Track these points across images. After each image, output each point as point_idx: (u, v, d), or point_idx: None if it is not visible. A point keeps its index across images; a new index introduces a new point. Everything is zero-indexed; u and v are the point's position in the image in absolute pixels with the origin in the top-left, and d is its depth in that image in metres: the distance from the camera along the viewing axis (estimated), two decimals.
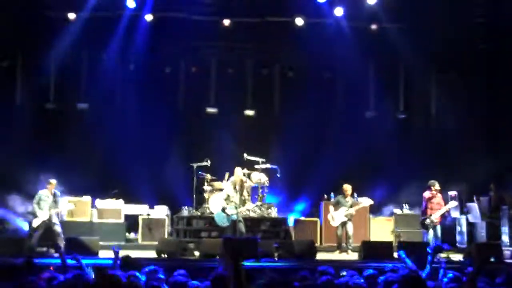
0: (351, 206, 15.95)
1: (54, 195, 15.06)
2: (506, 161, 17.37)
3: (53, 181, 15.16)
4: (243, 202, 15.26)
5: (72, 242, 13.96)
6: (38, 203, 14.91)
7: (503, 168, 17.25)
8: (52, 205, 14.92)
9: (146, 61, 18.93)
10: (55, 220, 14.96)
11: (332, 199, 17.05)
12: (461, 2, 18.28)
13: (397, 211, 17.40)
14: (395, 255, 14.16)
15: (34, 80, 18.43)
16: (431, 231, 14.98)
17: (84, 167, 18.09)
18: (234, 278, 4.93)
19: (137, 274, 7.40)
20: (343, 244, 15.90)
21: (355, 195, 16.59)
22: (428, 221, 14.98)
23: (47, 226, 14.86)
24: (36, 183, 16.57)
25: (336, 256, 15.49)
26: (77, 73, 19.02)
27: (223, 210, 15.25)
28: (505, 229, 15.60)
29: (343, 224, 15.94)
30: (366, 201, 16.23)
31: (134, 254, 12.61)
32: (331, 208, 16.17)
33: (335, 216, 16.00)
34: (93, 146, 18.51)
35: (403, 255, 8.71)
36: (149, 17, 18.65)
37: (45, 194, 14.98)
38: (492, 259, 12.35)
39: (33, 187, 16.48)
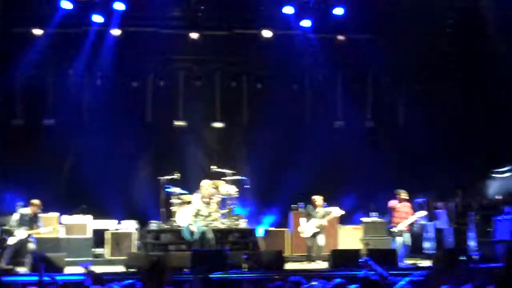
0: (322, 217, 15.88)
1: (35, 215, 14.80)
2: (472, 169, 17.52)
3: (36, 202, 14.88)
4: (209, 215, 15.22)
5: (39, 259, 13.77)
6: (18, 221, 14.65)
7: (470, 175, 17.40)
8: (32, 226, 14.70)
9: (113, 76, 18.92)
10: (32, 239, 14.74)
11: (301, 209, 17.08)
12: (428, 14, 18.45)
13: (366, 219, 17.43)
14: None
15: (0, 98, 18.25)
16: (398, 239, 14.99)
17: (51, 182, 17.94)
18: None
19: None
20: (313, 254, 15.81)
21: (325, 204, 16.55)
22: (395, 229, 14.99)
23: (22, 244, 14.64)
24: (3, 200, 16.41)
25: (306, 265, 15.46)
26: (43, 89, 18.91)
27: (188, 226, 15.26)
28: (472, 235, 15.71)
29: (314, 235, 15.86)
30: (336, 211, 16.16)
31: (102, 269, 12.60)
32: (302, 220, 16.03)
33: (306, 228, 15.90)
34: (61, 162, 18.48)
35: (370, 262, 8.73)
36: (116, 32, 18.61)
37: (26, 213, 14.73)
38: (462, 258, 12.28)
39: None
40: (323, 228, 15.86)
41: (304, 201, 16.98)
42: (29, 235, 14.60)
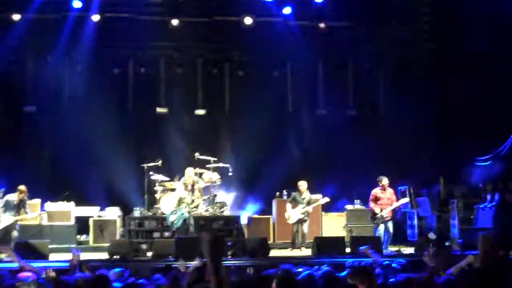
0: (308, 203, 15.83)
1: (22, 201, 14.67)
2: (454, 156, 17.68)
3: (22, 188, 14.73)
4: (193, 202, 15.25)
5: (22, 246, 13.65)
6: (4, 207, 14.54)
7: (452, 163, 17.55)
8: (19, 212, 14.57)
9: (93, 62, 18.69)
10: (16, 227, 14.62)
11: (285, 196, 17.15)
12: (406, 1, 18.57)
13: (349, 206, 17.52)
14: (348, 249, 14.36)
15: None
16: (381, 226, 15.07)
17: (33, 169, 17.84)
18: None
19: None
20: (297, 241, 15.83)
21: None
22: (378, 216, 15.06)
23: (6, 231, 14.50)
24: None
25: (289, 253, 15.51)
26: (23, 75, 18.67)
27: (171, 213, 15.28)
28: (454, 222, 15.88)
29: (300, 221, 15.81)
30: (322, 199, 16.17)
31: (86, 256, 12.50)
32: (288, 205, 15.98)
33: (292, 214, 15.86)
34: (42, 149, 18.35)
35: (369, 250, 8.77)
36: (96, 18, 18.44)
37: (12, 199, 14.60)
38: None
39: None
40: (308, 214, 15.90)
41: (287, 188, 17.06)
42: (15, 221, 14.49)
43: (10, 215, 14.48)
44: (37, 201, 16.85)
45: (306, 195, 15.90)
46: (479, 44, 17.22)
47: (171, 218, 15.39)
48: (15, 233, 14.55)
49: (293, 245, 15.84)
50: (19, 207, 14.66)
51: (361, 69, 19.85)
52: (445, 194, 16.54)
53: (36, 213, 15.18)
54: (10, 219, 14.44)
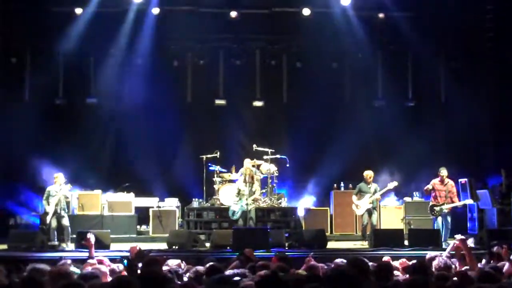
0: (375, 192, 15.57)
1: (60, 190, 14.99)
2: None
3: (58, 175, 15.12)
4: (253, 193, 15.32)
5: (83, 235, 13.96)
6: (47, 199, 14.91)
7: None
8: (60, 199, 14.93)
9: (153, 55, 18.93)
10: (65, 216, 14.97)
11: (342, 188, 17.17)
12: None
13: (407, 199, 17.36)
14: (406, 242, 14.25)
15: (42, 76, 18.35)
16: (439, 219, 14.88)
17: (95, 161, 18.28)
18: None
19: None
20: (368, 233, 15.33)
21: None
22: (437, 208, 14.85)
23: (58, 220, 14.89)
24: (48, 178, 16.66)
25: (347, 244, 15.46)
26: (85, 68, 19.05)
27: (231, 206, 15.45)
28: None
29: (369, 212, 15.51)
30: (390, 184, 15.87)
31: (145, 246, 12.77)
32: (354, 197, 15.76)
33: (360, 204, 15.61)
34: (103, 140, 18.74)
35: None
36: (156, 11, 18.65)
37: (53, 189, 14.96)
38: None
39: (44, 182, 16.59)
40: (377, 202, 15.72)
41: (345, 180, 17.02)
42: (60, 209, 14.84)
43: (53, 204, 14.84)
44: (98, 192, 17.25)
45: (373, 185, 15.65)
46: None
47: (233, 208, 15.51)
48: (65, 222, 14.89)
49: (363, 238, 15.61)
50: (58, 196, 14.90)
51: (421, 59, 19.53)
52: (507, 187, 16.20)
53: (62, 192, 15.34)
54: (53, 208, 14.78)
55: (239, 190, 15.51)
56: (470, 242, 13.13)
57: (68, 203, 15.69)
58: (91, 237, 9.78)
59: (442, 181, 14.92)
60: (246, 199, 15.19)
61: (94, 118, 18.55)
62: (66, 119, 18.74)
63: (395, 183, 15.77)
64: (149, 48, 18.89)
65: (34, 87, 18.73)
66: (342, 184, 17.69)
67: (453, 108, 18.72)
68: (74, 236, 14.60)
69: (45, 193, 15.02)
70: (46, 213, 14.92)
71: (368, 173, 15.69)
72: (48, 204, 14.83)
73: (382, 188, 15.67)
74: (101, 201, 17.15)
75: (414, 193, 17.48)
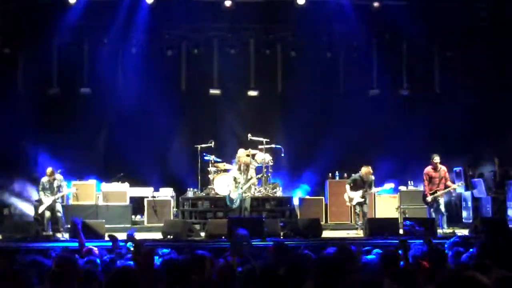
0: (370, 186, 15.61)
1: (54, 181, 15.09)
2: (510, 137, 17.32)
3: (49, 169, 15.18)
4: (248, 181, 15.33)
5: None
6: (42, 190, 15.08)
7: (507, 143, 17.20)
8: (53, 191, 14.99)
9: (148, 44, 18.89)
10: (57, 206, 15.04)
11: (337, 177, 17.20)
12: None
13: (402, 187, 17.39)
14: (401, 231, 14.29)
15: (36, 66, 18.27)
16: (434, 207, 14.95)
17: (89, 151, 18.24)
18: None
19: None
20: (360, 222, 15.48)
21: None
22: (429, 199, 14.93)
23: (52, 211, 14.96)
24: (42, 168, 16.65)
25: (341, 233, 15.48)
26: (79, 58, 18.92)
27: (229, 195, 15.42)
28: (510, 204, 15.61)
29: (360, 204, 15.63)
30: (387, 185, 15.95)
31: (140, 236, 12.76)
32: (347, 186, 15.78)
33: (352, 197, 15.67)
34: (97, 130, 18.69)
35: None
36: (150, 0, 18.56)
37: (46, 181, 15.08)
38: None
39: (38, 172, 16.58)
40: (368, 196, 15.77)
41: (340, 169, 17.02)
42: (54, 201, 14.90)
43: (48, 195, 14.97)
44: (92, 182, 17.24)
45: (370, 178, 15.67)
46: None
47: (232, 196, 15.49)
48: (58, 214, 14.99)
49: (358, 226, 15.63)
50: (52, 187, 15.06)
51: (416, 49, 19.53)
52: (501, 176, 16.23)
53: (73, 188, 15.47)
54: (49, 199, 14.90)
55: (235, 178, 15.50)
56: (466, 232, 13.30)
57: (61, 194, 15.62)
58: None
59: (435, 168, 15.08)
60: (241, 187, 15.21)
61: (88, 108, 18.46)
62: (60, 109, 18.63)
63: (391, 185, 15.87)
64: (143, 37, 18.86)
65: (27, 77, 18.64)
66: (337, 173, 17.71)
67: (448, 97, 18.73)
68: (68, 226, 14.59)
69: (40, 184, 15.13)
70: (40, 203, 14.98)
71: (365, 170, 15.64)
72: (45, 195, 14.93)
73: (377, 182, 15.82)
74: (95, 191, 17.13)
75: (409, 182, 17.49)
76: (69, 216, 15.18)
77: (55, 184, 15.04)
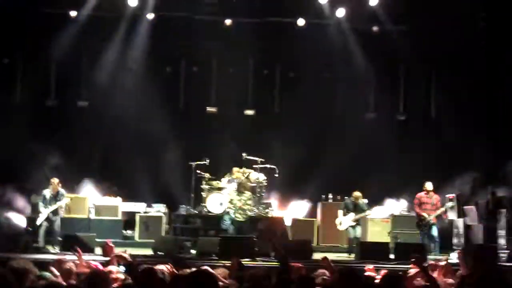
0: (361, 211, 15.68)
1: (57, 194, 15.11)
2: (506, 164, 17.30)
3: (54, 180, 15.20)
4: (246, 204, 15.45)
5: (69, 239, 13.95)
6: (43, 202, 15.08)
7: (503, 172, 17.20)
8: (53, 203, 15.02)
9: (147, 60, 18.95)
10: (54, 218, 15.05)
11: (331, 200, 17.25)
12: (462, 5, 18.25)
13: (395, 212, 17.36)
14: (391, 256, 14.27)
15: (34, 78, 18.39)
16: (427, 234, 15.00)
17: (83, 164, 18.18)
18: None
19: None
20: (354, 245, 15.43)
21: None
22: (422, 222, 14.97)
23: (49, 223, 14.99)
24: (36, 179, 16.66)
25: (332, 256, 15.42)
26: (77, 71, 19.03)
27: (226, 213, 15.50)
28: (501, 232, 15.59)
29: (353, 227, 15.65)
30: (377, 213, 16.05)
31: (131, 251, 12.67)
32: (339, 212, 15.86)
33: (343, 221, 15.72)
34: (93, 144, 18.63)
35: None
36: (150, 16, 18.69)
37: (48, 192, 15.09)
38: None
39: (33, 183, 16.59)
40: (360, 220, 15.79)
41: (333, 192, 17.05)
42: (52, 212, 14.91)
43: (48, 207, 14.95)
44: (85, 195, 17.22)
45: (361, 204, 15.76)
46: None
47: (225, 218, 15.57)
48: (55, 227, 14.99)
49: (350, 250, 15.63)
50: (55, 199, 15.09)
51: (413, 73, 19.63)
52: (494, 204, 16.21)
53: (67, 199, 15.46)
54: (46, 211, 14.89)
55: (231, 200, 15.61)
56: (454, 258, 13.26)
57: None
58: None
59: (427, 193, 15.15)
60: (236, 209, 15.32)
61: (85, 122, 18.49)
62: (56, 121, 18.68)
63: (380, 208, 15.98)
64: (142, 53, 18.94)
65: (25, 87, 18.70)
66: (330, 196, 17.68)
67: (444, 123, 18.80)
68: (60, 239, 14.58)
69: (42, 195, 15.18)
70: (38, 214, 15.02)
71: (357, 195, 15.74)
72: (45, 207, 14.97)
73: (370, 203, 15.88)
74: (88, 205, 17.11)
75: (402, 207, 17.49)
76: (62, 229, 15.20)
77: (58, 196, 15.07)
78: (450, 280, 7.99)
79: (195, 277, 5.30)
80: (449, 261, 11.19)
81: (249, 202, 15.83)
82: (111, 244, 8.77)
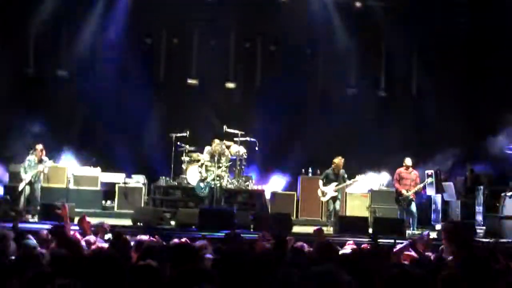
0: (343, 180, 15.57)
1: (41, 161, 15.10)
2: (485, 141, 17.42)
3: (38, 146, 15.14)
4: (221, 172, 15.36)
5: (48, 208, 13.84)
6: (25, 168, 15.02)
7: (482, 148, 17.31)
8: (35, 169, 14.98)
9: (127, 31, 18.74)
10: (36, 184, 14.98)
11: (310, 174, 17.23)
12: None
13: (374, 187, 17.45)
14: (370, 230, 14.37)
15: (13, 46, 18.09)
16: (406, 209, 15.11)
17: (62, 133, 17.98)
18: None
19: None
20: (333, 219, 15.32)
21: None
22: (403, 197, 15.08)
23: (31, 189, 14.96)
24: (15, 148, 16.50)
25: (311, 229, 15.45)
26: (57, 41, 18.78)
27: (198, 182, 15.43)
28: (479, 209, 15.77)
29: (333, 199, 15.57)
30: (359, 177, 15.95)
31: (110, 222, 12.65)
32: (320, 182, 15.71)
33: (325, 191, 15.58)
34: (72, 114, 18.46)
35: None
36: None
37: (32, 159, 15.06)
38: None
39: (11, 152, 16.43)
40: (342, 191, 15.78)
41: (313, 166, 17.08)
42: (34, 177, 14.88)
43: (29, 174, 14.97)
44: (65, 165, 17.09)
45: (340, 172, 15.60)
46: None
47: (201, 183, 15.52)
48: (36, 194, 14.93)
49: (329, 223, 15.56)
50: (36, 166, 15.04)
51: (394, 50, 19.64)
52: (472, 180, 16.38)
53: (49, 162, 15.38)
54: (28, 176, 14.82)
55: (203, 164, 15.55)
56: (433, 234, 13.40)
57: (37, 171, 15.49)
58: (66, 206, 9.32)
59: (407, 169, 15.28)
60: (212, 176, 15.30)
61: (64, 91, 18.27)
62: (35, 90, 18.41)
63: (363, 177, 15.93)
64: (123, 24, 18.71)
65: (3, 57, 18.39)
66: (310, 170, 17.73)
67: (424, 100, 18.88)
68: (38, 208, 14.50)
69: (26, 160, 15.12)
70: (18, 183, 14.98)
71: (336, 161, 15.62)
72: (25, 173, 14.92)
73: (350, 176, 15.77)
74: (67, 175, 16.99)
75: (381, 182, 17.59)
76: (40, 199, 15.11)
77: (41, 162, 15.06)
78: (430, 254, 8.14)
79: None
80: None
81: (225, 169, 15.82)
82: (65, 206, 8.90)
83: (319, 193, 15.72)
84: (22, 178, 15.03)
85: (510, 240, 13.45)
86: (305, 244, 8.19)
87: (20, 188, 14.93)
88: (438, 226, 15.34)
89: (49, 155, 16.02)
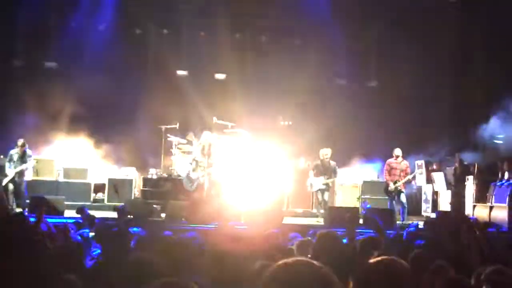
0: (333, 172, 15.44)
1: (24, 155, 14.93)
2: (474, 132, 17.47)
3: (20, 141, 15.01)
4: (210, 166, 15.30)
5: (37, 201, 13.79)
6: (9, 162, 14.92)
7: (471, 138, 17.36)
8: (18, 164, 14.83)
9: (116, 21, 18.66)
10: (19, 180, 14.88)
11: (301, 165, 17.25)
12: None
13: (364, 178, 17.46)
14: (360, 221, 14.37)
15: (0, 37, 17.98)
16: (395, 199, 15.14)
17: (52, 126, 17.90)
18: None
19: None
20: (322, 210, 15.36)
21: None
22: (391, 187, 15.10)
23: (14, 185, 14.84)
24: (3, 141, 16.42)
25: (302, 221, 15.51)
26: (45, 31, 18.66)
27: (187, 175, 15.35)
28: (468, 199, 15.81)
29: (322, 191, 15.55)
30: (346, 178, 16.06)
31: (100, 214, 12.64)
32: (310, 173, 15.69)
33: (313, 183, 15.59)
34: (61, 105, 18.34)
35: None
36: None
37: (15, 153, 14.93)
38: None
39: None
40: (330, 184, 15.79)
41: (304, 157, 17.06)
42: (17, 173, 14.78)
43: (13, 168, 14.85)
44: (52, 158, 17.02)
45: (330, 164, 15.57)
46: None
47: (191, 176, 15.46)
48: (21, 189, 14.86)
49: (319, 214, 15.59)
50: (22, 161, 14.93)
51: (385, 40, 19.62)
52: (461, 171, 16.40)
53: (32, 161, 15.31)
54: (12, 172, 14.72)
55: (197, 161, 15.46)
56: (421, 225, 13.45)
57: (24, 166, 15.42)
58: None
59: (396, 159, 15.33)
60: (203, 171, 15.20)
61: (52, 83, 18.16)
62: (23, 81, 18.32)
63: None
64: (111, 14, 18.62)
65: None
66: (299, 161, 17.72)
67: (414, 91, 18.89)
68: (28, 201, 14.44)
69: (8, 156, 14.99)
70: (4, 176, 14.86)
71: (324, 152, 15.56)
72: (10, 168, 14.85)
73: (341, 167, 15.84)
74: (55, 167, 16.91)
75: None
76: (29, 191, 15.04)
77: (24, 157, 14.91)
78: None
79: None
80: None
81: (215, 162, 15.79)
82: None
83: (307, 183, 15.73)
84: (6, 173, 14.88)
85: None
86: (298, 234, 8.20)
87: (3, 183, 14.80)
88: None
89: (37, 148, 15.98)
